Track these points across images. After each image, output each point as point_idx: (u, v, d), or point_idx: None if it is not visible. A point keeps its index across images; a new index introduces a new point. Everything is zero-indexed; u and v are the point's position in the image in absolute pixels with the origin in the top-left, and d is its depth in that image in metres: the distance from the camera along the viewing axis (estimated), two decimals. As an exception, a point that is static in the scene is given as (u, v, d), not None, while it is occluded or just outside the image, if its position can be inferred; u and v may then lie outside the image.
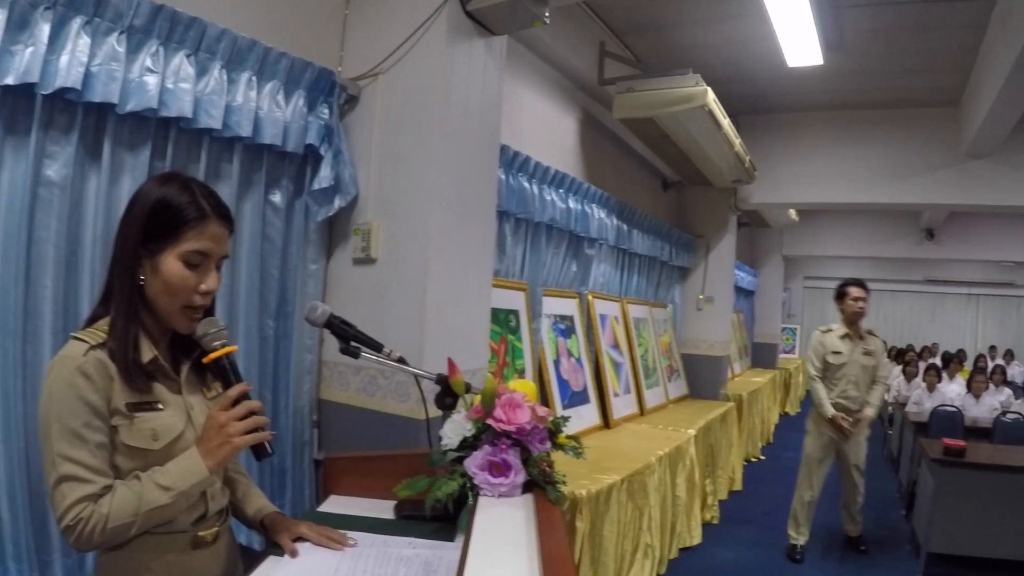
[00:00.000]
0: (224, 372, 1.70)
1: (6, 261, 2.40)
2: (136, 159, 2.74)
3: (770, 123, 8.69)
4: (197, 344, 1.72)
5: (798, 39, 6.08)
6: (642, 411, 6.73)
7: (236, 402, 1.65)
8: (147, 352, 1.66)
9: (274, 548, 1.87)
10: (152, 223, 1.62)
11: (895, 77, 7.23)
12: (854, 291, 5.79)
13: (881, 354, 5.90)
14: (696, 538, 6.05)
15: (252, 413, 1.66)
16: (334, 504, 2.32)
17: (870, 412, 5.83)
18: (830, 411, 5.78)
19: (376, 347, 2.16)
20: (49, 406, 1.54)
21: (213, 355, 1.68)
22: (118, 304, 1.64)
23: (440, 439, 2.02)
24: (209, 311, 1.75)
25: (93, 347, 1.58)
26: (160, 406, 1.66)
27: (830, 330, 5.91)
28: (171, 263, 1.63)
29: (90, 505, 1.51)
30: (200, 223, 1.65)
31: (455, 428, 1.99)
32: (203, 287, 1.67)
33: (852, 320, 5.79)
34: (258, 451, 1.68)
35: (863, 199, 8.41)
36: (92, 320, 1.68)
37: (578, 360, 5.74)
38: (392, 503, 2.23)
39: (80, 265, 2.61)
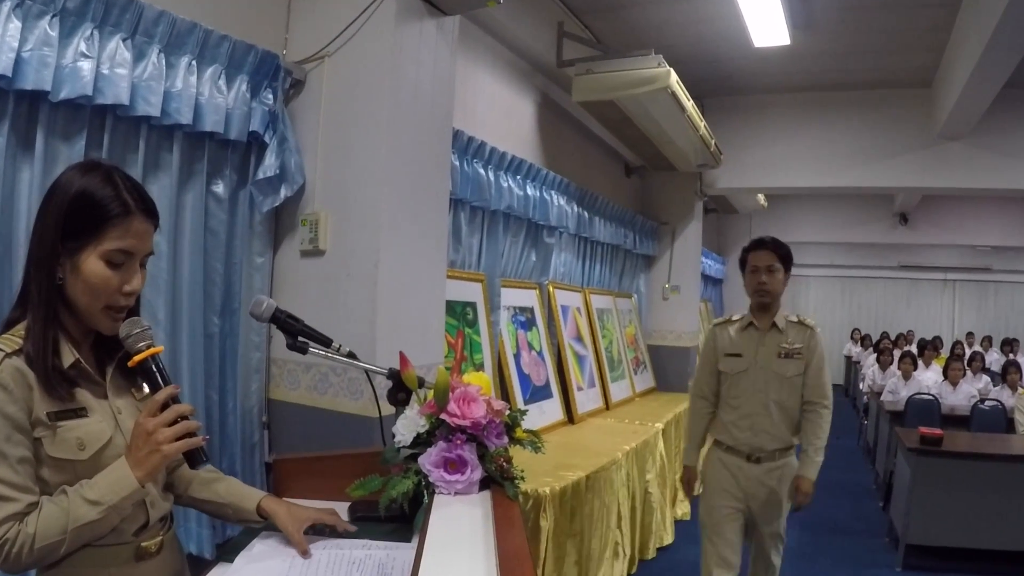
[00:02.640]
0: (151, 375, 1.64)
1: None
2: (71, 149, 2.73)
3: (736, 105, 8.77)
4: (118, 343, 1.67)
5: (764, 18, 6.15)
6: (608, 405, 6.78)
7: (165, 406, 1.59)
8: (68, 356, 1.61)
9: (226, 555, 1.84)
10: (72, 219, 1.56)
11: (865, 57, 7.32)
12: (754, 257, 3.99)
13: (818, 357, 3.89)
14: (668, 537, 6.11)
15: (182, 417, 1.60)
16: (285, 507, 2.33)
17: (807, 475, 3.81)
18: (690, 458, 4.23)
19: (325, 342, 2.16)
20: None
21: (138, 357, 1.62)
22: (35, 306, 1.58)
23: (393, 436, 2.04)
24: (133, 311, 1.70)
25: (8, 355, 1.52)
26: (85, 412, 1.61)
27: (729, 321, 4.15)
28: (92, 263, 1.57)
29: (15, 525, 1.46)
30: (124, 220, 1.58)
31: (408, 424, 2.00)
32: (127, 287, 1.62)
33: (758, 304, 3.98)
34: (191, 458, 1.63)
35: (834, 183, 8.53)
36: (8, 324, 1.62)
37: (539, 353, 5.77)
38: (346, 505, 2.24)
39: (13, 263, 2.58)
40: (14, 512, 1.47)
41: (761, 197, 12.50)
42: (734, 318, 4.14)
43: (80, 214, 1.56)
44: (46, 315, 1.58)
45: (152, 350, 1.63)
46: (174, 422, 1.58)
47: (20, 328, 1.58)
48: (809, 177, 8.58)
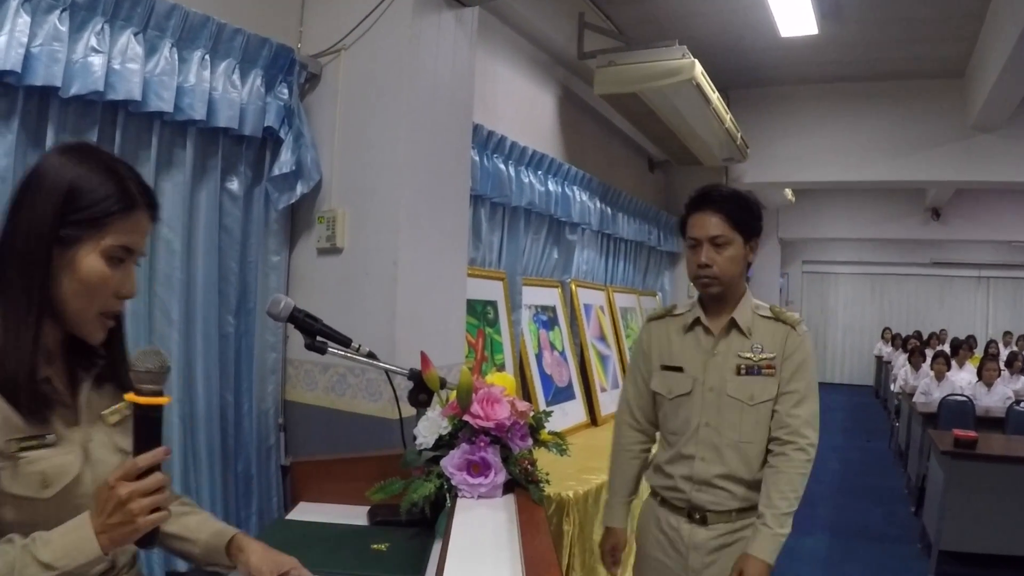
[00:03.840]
0: (148, 427, 1.40)
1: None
2: (82, 146, 2.73)
3: (763, 97, 8.72)
4: (96, 356, 1.57)
5: (791, 7, 6.12)
6: (631, 407, 6.68)
7: (146, 471, 1.36)
8: (40, 371, 1.44)
9: None
10: (71, 208, 1.41)
11: (895, 47, 7.27)
12: (694, 222, 2.74)
13: (800, 371, 2.70)
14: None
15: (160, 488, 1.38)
16: (303, 511, 2.34)
17: (758, 555, 2.55)
18: (614, 517, 3.06)
19: (344, 342, 2.16)
20: None
21: (146, 401, 1.38)
22: (16, 310, 1.40)
23: (414, 438, 2.04)
24: (119, 324, 1.58)
25: None
26: (51, 439, 1.44)
27: (669, 314, 2.94)
28: (92, 260, 1.43)
29: None
30: (130, 213, 1.46)
31: (430, 426, 2.00)
32: (123, 290, 1.49)
33: (706, 292, 2.77)
34: (148, 538, 1.40)
35: (863, 177, 8.47)
36: None
37: (562, 353, 5.75)
38: (365, 508, 2.25)
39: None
40: None
41: (788, 192, 12.45)
42: (676, 311, 2.89)
43: (81, 203, 1.42)
44: (35, 320, 1.42)
45: (161, 400, 1.39)
46: (153, 492, 1.36)
47: None
48: (838, 171, 8.53)
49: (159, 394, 1.38)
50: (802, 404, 2.63)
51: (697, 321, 2.76)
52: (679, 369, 2.77)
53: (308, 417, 3.58)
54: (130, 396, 1.38)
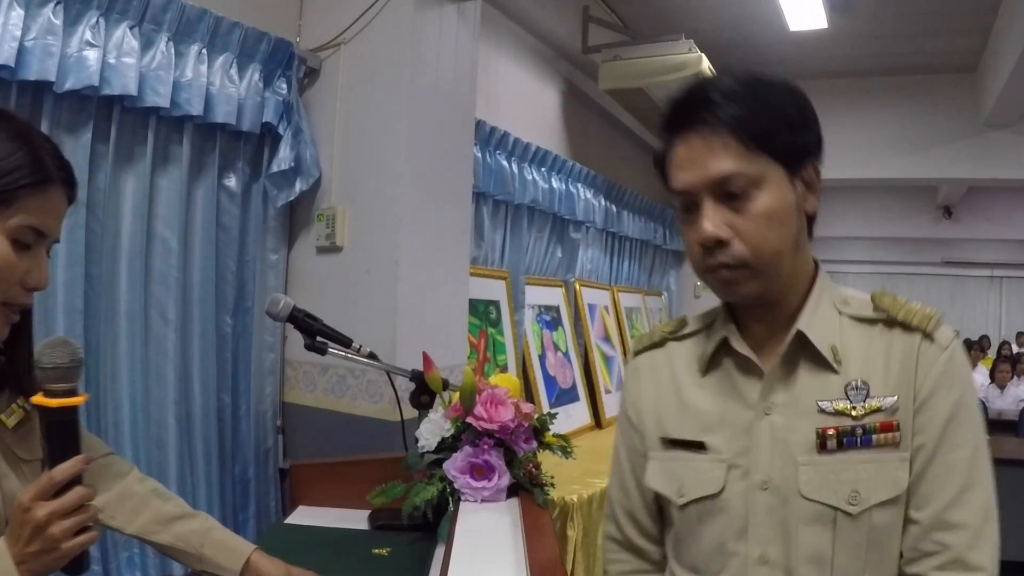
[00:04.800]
0: (62, 431, 1.22)
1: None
2: (77, 142, 2.74)
3: (771, 92, 8.69)
4: None
5: (800, 0, 6.10)
6: (637, 409, 6.67)
7: (65, 486, 1.19)
8: None
9: None
10: None
11: (906, 41, 7.25)
12: (683, 150, 1.39)
13: (950, 416, 1.34)
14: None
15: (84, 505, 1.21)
16: (303, 516, 2.34)
17: None
18: None
19: (345, 342, 2.17)
20: None
21: (57, 402, 1.21)
22: None
23: (416, 441, 2.04)
24: (26, 319, 1.36)
25: None
26: None
27: (675, 337, 1.63)
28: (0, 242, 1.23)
29: None
30: (41, 189, 1.26)
31: (432, 428, 2.00)
32: (31, 280, 1.27)
33: (730, 295, 1.44)
34: (76, 563, 1.24)
35: (874, 174, 8.44)
36: None
37: (565, 354, 5.76)
38: (366, 512, 2.25)
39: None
40: None
41: (797, 189, 12.45)
42: (686, 330, 1.62)
43: None
44: None
45: (75, 399, 1.23)
46: (74, 510, 1.19)
47: None
48: (847, 168, 8.48)
49: (72, 393, 1.23)
50: (968, 496, 1.35)
51: (726, 346, 1.49)
52: (699, 446, 1.48)
53: (307, 419, 3.59)
54: (38, 399, 1.21)
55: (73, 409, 1.22)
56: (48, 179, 1.26)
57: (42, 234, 1.27)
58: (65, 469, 1.18)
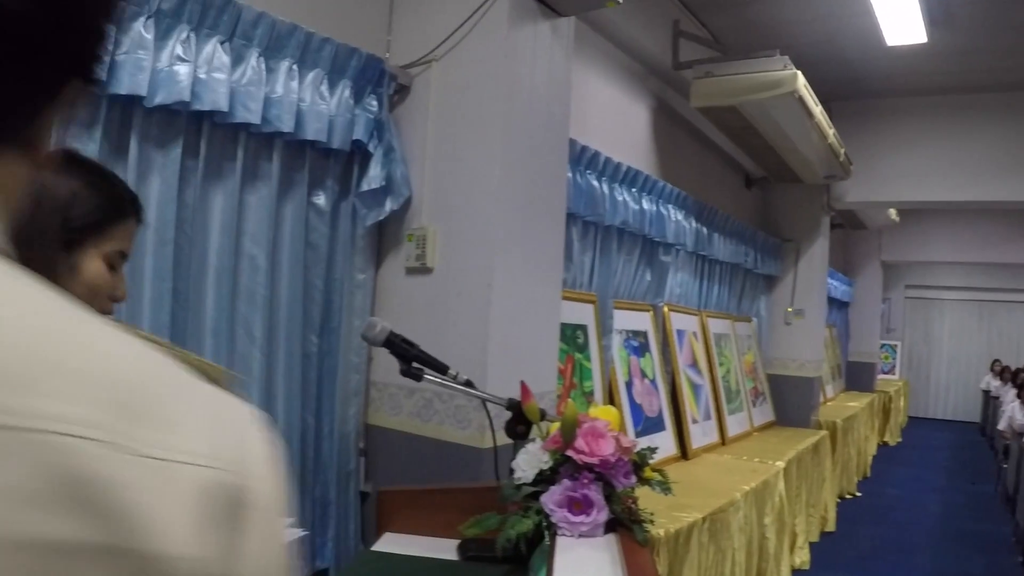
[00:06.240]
0: None
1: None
2: (166, 157, 2.78)
3: (867, 110, 8.60)
4: None
5: (898, 14, 6.03)
6: (723, 440, 6.67)
7: None
8: None
9: None
10: (76, 213, 1.48)
11: (1009, 56, 7.12)
12: None
13: None
14: (786, 586, 5.94)
15: None
16: (389, 543, 2.34)
17: None
18: None
19: (441, 369, 2.17)
20: None
21: None
22: None
23: (511, 471, 2.03)
24: None
25: None
26: None
27: None
28: (96, 263, 1.51)
29: None
30: (124, 220, 1.57)
31: (530, 460, 2.00)
32: (118, 293, 1.58)
33: None
34: None
35: (974, 196, 8.29)
36: None
37: (652, 382, 5.73)
38: (454, 542, 2.25)
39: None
40: None
41: (893, 212, 12.25)
42: None
43: (85, 208, 1.50)
44: None
45: None
46: None
47: None
48: (947, 190, 8.36)
49: None
50: None
51: None
52: None
53: (390, 442, 3.59)
54: None
55: None
56: (128, 212, 1.58)
57: (125, 256, 1.58)
58: None
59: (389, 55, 3.65)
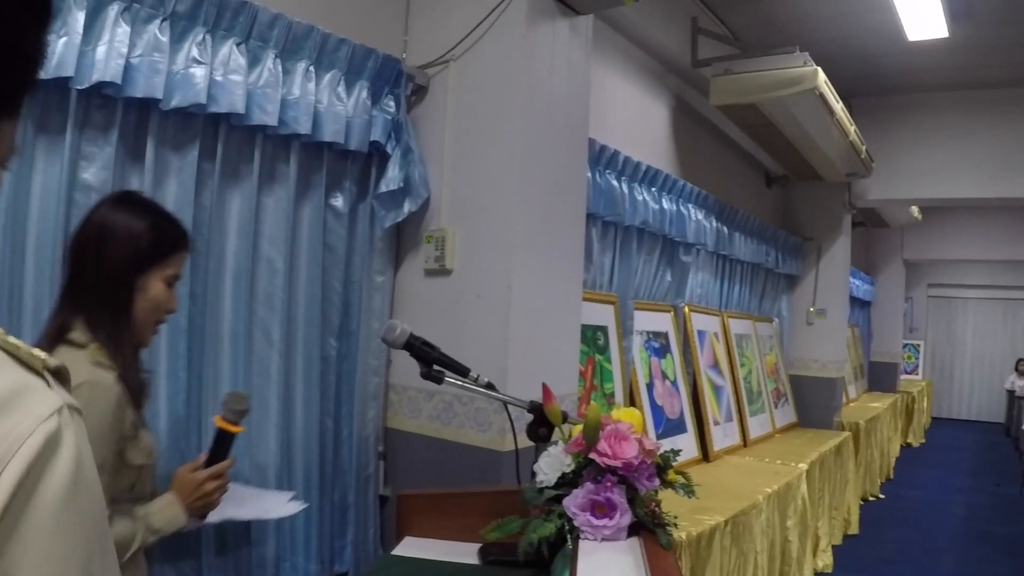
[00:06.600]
0: (224, 445, 2.20)
1: (39, 272, 2.46)
2: (183, 160, 2.80)
3: (888, 106, 8.56)
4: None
5: (919, 8, 6.00)
6: (745, 442, 6.66)
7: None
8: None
9: None
10: (144, 246, 1.99)
11: (1033, 50, 7.09)
12: None
13: None
14: (807, 592, 5.91)
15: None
16: (410, 547, 2.35)
17: None
18: None
19: (462, 372, 2.18)
20: None
21: (230, 428, 2.19)
22: (120, 328, 1.97)
23: (533, 475, 2.03)
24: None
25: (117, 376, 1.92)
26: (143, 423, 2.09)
27: None
28: (159, 284, 2.03)
29: None
30: (178, 248, 2.09)
31: (552, 463, 1.99)
32: (173, 306, 2.11)
33: None
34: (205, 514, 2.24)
35: (998, 193, 8.22)
36: (60, 332, 1.94)
37: (673, 383, 5.72)
38: (474, 546, 2.24)
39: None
40: None
41: (915, 209, 12.19)
42: None
43: (152, 243, 2.01)
44: (129, 337, 2.01)
45: (239, 428, 2.21)
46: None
47: (81, 337, 1.93)
48: (970, 187, 8.30)
49: (236, 424, 2.20)
50: None
51: None
52: None
53: (410, 446, 3.59)
54: (218, 420, 2.19)
55: (235, 434, 2.21)
56: (182, 244, 2.10)
57: (179, 277, 2.10)
58: (224, 465, 2.20)
59: (406, 55, 3.66)
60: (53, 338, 1.92)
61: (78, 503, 0.75)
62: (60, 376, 0.82)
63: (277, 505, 2.74)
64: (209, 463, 2.18)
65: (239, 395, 2.19)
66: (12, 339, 0.77)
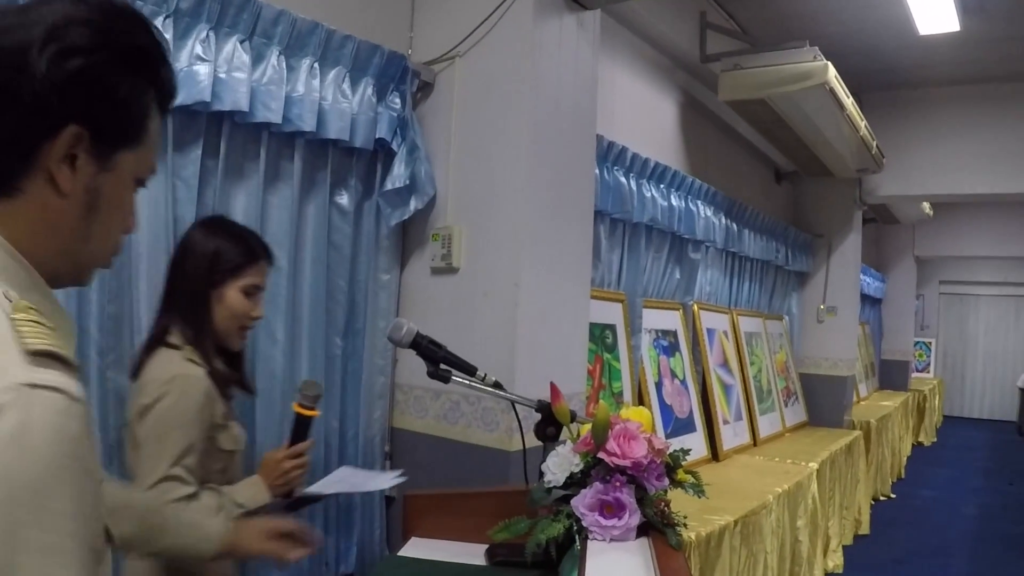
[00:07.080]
0: (303, 428, 2.44)
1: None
2: (186, 158, 2.81)
3: (899, 101, 8.54)
4: (236, 359, 2.43)
5: (930, 2, 5.99)
6: (755, 441, 6.65)
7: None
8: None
9: None
10: (220, 260, 2.26)
11: (1046, 44, 7.07)
12: None
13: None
14: (818, 592, 5.90)
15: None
16: (416, 548, 2.35)
17: None
18: None
19: (469, 370, 2.18)
20: (173, 414, 2.10)
21: (307, 413, 2.42)
22: (201, 334, 2.25)
23: (541, 475, 2.02)
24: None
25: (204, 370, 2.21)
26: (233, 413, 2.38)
27: None
28: (235, 294, 2.28)
29: (183, 503, 2.05)
30: (257, 262, 2.33)
31: (560, 463, 1.98)
32: (255, 313, 2.34)
33: None
34: (288, 493, 2.44)
35: (1010, 189, 8.20)
36: (162, 334, 2.23)
37: (683, 382, 5.71)
38: (482, 546, 2.24)
39: (134, 273, 2.67)
40: (189, 493, 2.07)
41: (926, 205, 12.17)
42: None
43: (225, 258, 2.27)
44: (210, 338, 2.28)
45: (315, 413, 2.45)
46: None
47: (178, 342, 2.22)
48: (982, 182, 8.28)
49: (312, 410, 2.43)
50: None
51: None
52: None
53: (416, 445, 3.60)
54: (296, 407, 2.44)
55: (312, 418, 2.44)
56: (258, 256, 2.34)
57: (259, 287, 2.35)
58: (304, 445, 2.43)
59: (411, 52, 3.65)
60: (156, 340, 2.23)
61: (8, 470, 0.80)
62: (52, 358, 0.89)
63: (381, 481, 2.91)
64: (291, 447, 2.42)
65: (312, 383, 2.46)
66: (29, 323, 0.90)
